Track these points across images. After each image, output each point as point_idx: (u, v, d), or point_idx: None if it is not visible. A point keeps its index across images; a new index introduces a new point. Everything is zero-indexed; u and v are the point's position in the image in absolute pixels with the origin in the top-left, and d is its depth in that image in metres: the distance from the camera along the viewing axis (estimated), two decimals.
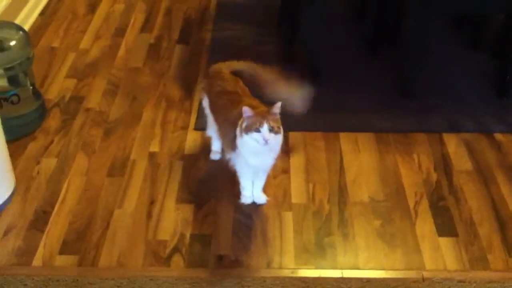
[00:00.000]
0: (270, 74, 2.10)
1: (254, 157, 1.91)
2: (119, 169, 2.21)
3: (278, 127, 1.83)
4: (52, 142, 2.32)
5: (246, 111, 1.81)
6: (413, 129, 2.37)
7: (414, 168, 2.20)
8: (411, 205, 2.05)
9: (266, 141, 1.80)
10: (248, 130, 1.82)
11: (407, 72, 2.63)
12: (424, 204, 2.05)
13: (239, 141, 1.87)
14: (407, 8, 2.76)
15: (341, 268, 1.85)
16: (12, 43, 2.26)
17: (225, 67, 2.10)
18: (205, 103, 2.12)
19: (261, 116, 1.81)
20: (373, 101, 2.52)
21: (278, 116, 1.84)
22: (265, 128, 1.79)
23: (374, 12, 2.85)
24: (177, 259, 1.88)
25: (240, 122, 1.86)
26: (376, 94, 2.56)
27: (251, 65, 2.12)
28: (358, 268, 1.85)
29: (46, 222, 1.99)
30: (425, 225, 1.98)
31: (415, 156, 2.25)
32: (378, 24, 2.81)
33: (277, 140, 1.85)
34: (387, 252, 1.91)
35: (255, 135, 1.81)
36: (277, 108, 1.84)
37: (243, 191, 2.06)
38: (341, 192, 2.11)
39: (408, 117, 2.43)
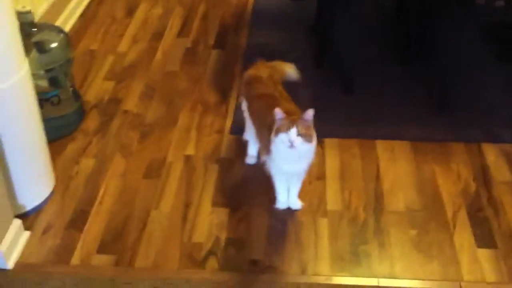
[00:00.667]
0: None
1: (285, 162, 1.91)
2: (155, 171, 2.23)
3: (309, 135, 1.82)
4: (90, 143, 2.35)
5: (278, 113, 1.82)
6: (449, 139, 2.34)
7: (452, 178, 2.17)
8: (449, 215, 2.03)
9: (292, 143, 1.79)
10: (277, 132, 1.82)
11: (442, 82, 2.60)
12: (462, 215, 2.02)
13: (272, 145, 1.88)
14: (442, 18, 2.74)
15: (377, 277, 1.84)
16: (53, 45, 2.30)
17: (263, 68, 2.10)
18: (244, 106, 2.13)
19: (292, 119, 1.81)
20: (408, 111, 2.50)
21: (310, 124, 1.83)
22: (293, 131, 1.79)
23: (410, 21, 2.83)
24: (212, 262, 1.89)
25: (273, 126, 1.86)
26: (411, 103, 2.54)
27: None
28: (394, 277, 1.83)
29: (84, 222, 2.02)
30: (463, 235, 1.95)
31: (453, 165, 2.22)
32: (414, 33, 2.79)
33: (307, 147, 1.84)
34: (423, 262, 1.88)
35: (282, 136, 1.80)
36: (308, 115, 1.83)
37: (278, 196, 2.06)
38: (377, 201, 2.09)
39: (444, 127, 2.41)
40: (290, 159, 1.88)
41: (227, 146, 2.34)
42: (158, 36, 3.03)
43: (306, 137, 1.81)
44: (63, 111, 2.36)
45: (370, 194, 2.12)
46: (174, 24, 3.13)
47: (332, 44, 2.77)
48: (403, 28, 2.92)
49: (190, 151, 2.32)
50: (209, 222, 2.02)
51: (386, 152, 2.30)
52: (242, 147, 2.30)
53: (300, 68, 2.75)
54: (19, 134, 1.91)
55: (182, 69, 2.80)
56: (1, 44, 1.76)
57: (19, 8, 2.14)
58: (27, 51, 1.97)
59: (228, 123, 2.46)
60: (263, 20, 3.16)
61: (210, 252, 1.92)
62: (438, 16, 2.68)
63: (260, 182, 2.15)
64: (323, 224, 2.01)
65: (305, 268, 1.87)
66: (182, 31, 3.07)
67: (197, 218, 2.04)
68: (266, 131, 1.93)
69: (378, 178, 2.18)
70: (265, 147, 1.97)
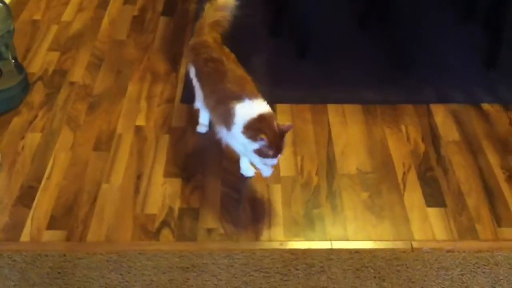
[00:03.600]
0: None
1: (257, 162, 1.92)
2: (105, 143, 2.18)
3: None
4: (36, 116, 2.28)
5: (263, 141, 1.79)
6: (401, 101, 2.37)
7: (402, 140, 2.20)
8: (399, 176, 2.06)
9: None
10: (260, 154, 1.83)
11: (397, 44, 2.61)
12: (412, 175, 2.06)
13: (242, 143, 1.86)
14: None
15: (330, 240, 1.86)
16: None
17: (208, 30, 2.07)
18: (192, 73, 2.10)
19: (277, 148, 1.81)
20: (362, 74, 2.51)
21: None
22: (279, 157, 1.83)
23: None
24: (166, 233, 1.88)
25: (245, 126, 1.83)
26: (365, 66, 2.54)
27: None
28: (347, 239, 1.86)
29: (32, 198, 1.97)
30: (413, 196, 1.99)
31: (403, 127, 2.25)
32: None
33: None
34: (375, 223, 1.91)
35: (267, 161, 1.84)
36: (288, 129, 1.84)
37: (242, 165, 2.04)
38: (329, 164, 2.11)
39: (397, 89, 2.43)
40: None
41: (178, 115, 2.31)
42: (104, 4, 2.94)
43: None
44: (6, 84, 2.27)
45: (323, 159, 2.13)
46: None
47: (286, 10, 2.74)
48: None
49: (140, 121, 2.28)
50: (162, 193, 2.00)
51: (337, 116, 2.31)
52: (193, 116, 2.27)
53: (255, 34, 2.74)
54: None
55: (129, 37, 2.73)
56: None
57: None
58: None
59: (179, 91, 2.42)
60: None
61: (164, 223, 1.91)
62: None
63: (212, 151, 2.14)
64: (277, 190, 2.02)
65: (260, 234, 1.88)
66: None
67: (149, 190, 2.01)
68: (222, 105, 1.90)
69: (330, 142, 2.20)
70: (223, 122, 1.93)
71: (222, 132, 1.97)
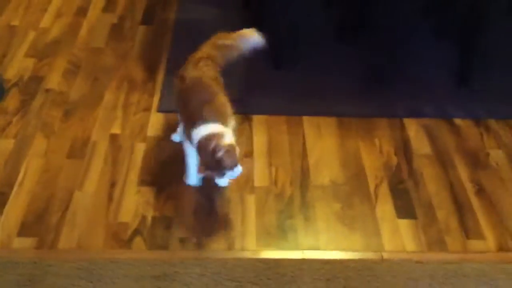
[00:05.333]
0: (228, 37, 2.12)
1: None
2: (79, 150, 2.18)
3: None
4: (10, 123, 2.27)
5: (239, 170, 1.81)
6: (375, 115, 2.40)
7: (375, 152, 2.23)
8: (372, 188, 2.08)
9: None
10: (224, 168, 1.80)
11: (373, 58, 2.65)
12: (384, 187, 2.08)
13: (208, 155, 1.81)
14: None
15: (302, 249, 1.87)
16: None
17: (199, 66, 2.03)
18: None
19: (215, 166, 1.80)
20: (338, 86, 2.53)
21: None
22: (236, 172, 1.82)
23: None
24: (138, 241, 1.87)
25: (206, 140, 1.81)
26: (341, 79, 2.57)
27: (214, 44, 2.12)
28: (319, 249, 1.87)
29: (3, 204, 1.95)
30: (384, 207, 2.01)
31: (376, 140, 2.28)
32: (346, 9, 2.81)
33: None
34: (347, 234, 1.93)
35: (228, 173, 1.82)
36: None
37: (190, 172, 2.03)
38: (303, 176, 2.12)
39: (371, 103, 2.46)
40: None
41: (154, 124, 2.31)
42: (82, 11, 2.94)
43: None
44: None
45: (297, 170, 2.15)
46: None
47: (263, 20, 2.76)
48: (337, 2, 2.95)
49: (115, 129, 2.28)
50: (135, 201, 2.00)
51: (312, 128, 2.33)
52: (169, 125, 2.28)
53: None
54: None
55: (108, 45, 2.73)
56: None
57: None
58: None
59: (156, 100, 2.42)
60: None
61: (137, 231, 1.90)
62: None
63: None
64: (250, 200, 2.03)
65: (232, 243, 1.89)
66: (108, 6, 2.99)
67: (122, 198, 2.01)
68: (190, 116, 1.90)
69: (304, 154, 2.21)
70: (186, 132, 1.93)
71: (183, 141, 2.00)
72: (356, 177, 2.13)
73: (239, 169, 1.82)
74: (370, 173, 2.14)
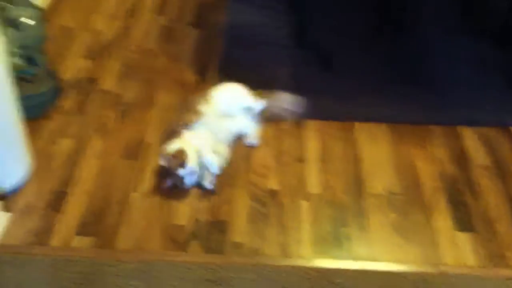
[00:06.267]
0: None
1: None
2: (133, 152, 2.20)
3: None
4: (67, 122, 2.31)
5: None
6: (429, 122, 2.37)
7: (430, 161, 2.20)
8: (427, 198, 2.06)
9: None
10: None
11: (425, 63, 2.62)
12: (441, 198, 2.05)
13: None
14: None
15: (357, 260, 1.86)
16: (28, 22, 2.23)
17: None
18: None
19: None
20: (389, 92, 2.50)
21: None
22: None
23: None
24: (193, 245, 1.88)
25: None
26: (393, 84, 2.54)
27: None
28: (374, 260, 1.86)
29: (63, 203, 1.99)
30: (441, 219, 1.98)
31: (431, 148, 2.25)
32: (393, 9, 2.78)
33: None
34: (402, 245, 1.91)
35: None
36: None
37: None
38: (357, 183, 2.11)
39: (424, 110, 2.43)
40: None
41: None
42: (134, 13, 2.97)
43: None
44: (38, 90, 2.30)
45: (350, 177, 2.13)
46: (151, 1, 3.06)
47: (311, 22, 2.76)
48: (385, 5, 2.92)
49: None
50: (190, 204, 2.01)
51: (365, 134, 2.31)
52: None
53: (281, 45, 2.76)
54: None
55: (159, 47, 2.75)
56: None
57: None
58: (1, 27, 1.91)
59: None
60: None
61: (192, 235, 1.91)
62: None
63: (240, 165, 2.15)
64: (304, 206, 2.02)
65: (287, 250, 1.88)
66: (160, 9, 3.02)
67: (178, 200, 2.02)
68: None
69: (357, 160, 2.20)
70: None
71: None
72: (411, 186, 2.10)
73: (189, 168, 1.97)
74: (425, 183, 2.11)
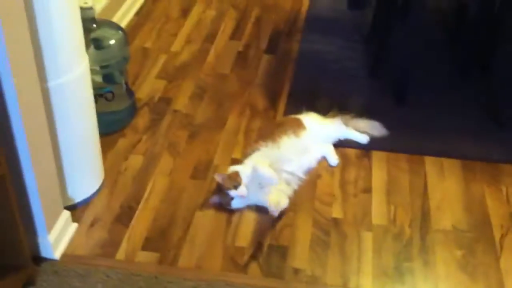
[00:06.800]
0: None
1: None
2: (201, 172, 2.25)
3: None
4: (140, 140, 2.39)
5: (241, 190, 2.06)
6: (502, 160, 2.29)
7: (501, 200, 2.12)
8: (497, 238, 1.99)
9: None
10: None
11: (499, 100, 2.55)
12: (511, 238, 1.97)
13: None
14: (502, 33, 2.69)
15: None
16: (111, 42, 2.33)
17: None
18: None
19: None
20: (461, 127, 2.46)
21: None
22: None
23: (468, 35, 2.79)
24: (254, 267, 1.89)
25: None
26: (465, 120, 2.49)
27: None
28: None
29: (130, 218, 2.05)
30: (510, 260, 1.91)
31: (503, 187, 2.18)
32: (471, 48, 2.74)
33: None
34: (468, 284, 1.85)
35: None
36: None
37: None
38: (424, 218, 2.06)
39: (498, 147, 2.36)
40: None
41: None
42: (210, 38, 3.06)
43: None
44: (116, 107, 2.40)
45: (417, 211, 2.09)
46: (227, 26, 3.15)
47: (387, 54, 2.75)
48: (462, 41, 2.88)
49: (236, 154, 2.33)
50: (253, 227, 2.03)
51: (435, 168, 2.26)
52: None
53: (354, 76, 2.76)
54: (75, 127, 1.96)
55: (233, 72, 2.82)
56: (65, 38, 1.81)
57: (82, 4, 2.19)
58: (86, 46, 2.01)
59: None
60: (317, 27, 3.16)
61: (253, 257, 1.93)
62: (498, 30, 2.63)
63: (305, 191, 2.15)
64: (367, 237, 2.00)
65: (348, 281, 1.86)
66: (235, 34, 3.09)
67: (240, 222, 2.05)
68: None
69: (425, 194, 2.15)
70: None
71: None
72: (480, 224, 2.04)
73: (241, 189, 2.02)
74: (495, 222, 2.04)
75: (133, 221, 2.04)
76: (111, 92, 2.36)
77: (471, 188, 2.18)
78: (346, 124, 2.36)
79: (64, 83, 1.86)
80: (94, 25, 2.27)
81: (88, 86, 1.98)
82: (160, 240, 1.97)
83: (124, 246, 1.95)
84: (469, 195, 2.15)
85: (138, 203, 2.11)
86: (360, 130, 2.36)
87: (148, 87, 2.69)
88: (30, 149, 1.69)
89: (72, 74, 1.88)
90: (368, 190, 2.18)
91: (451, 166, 2.27)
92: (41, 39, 1.74)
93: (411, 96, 2.60)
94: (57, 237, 1.90)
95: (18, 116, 1.62)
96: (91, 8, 2.21)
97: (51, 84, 1.83)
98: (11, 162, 1.66)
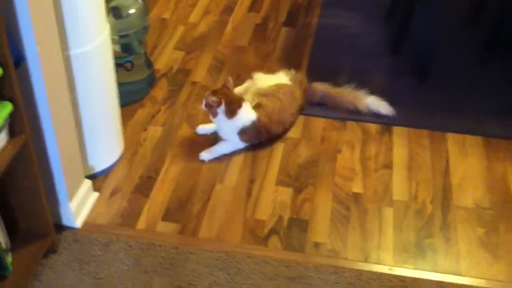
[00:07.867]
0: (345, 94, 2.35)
1: None
2: None
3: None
4: (159, 111, 2.37)
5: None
6: None
7: None
8: None
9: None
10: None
11: None
12: None
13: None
14: None
15: (442, 272, 1.80)
16: (131, 11, 2.30)
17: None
18: None
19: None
20: (483, 105, 2.42)
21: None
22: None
23: (493, 14, 2.73)
24: (274, 240, 1.89)
25: None
26: (488, 97, 2.46)
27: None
28: (460, 275, 1.80)
29: (150, 188, 2.04)
30: None
31: None
32: (495, 27, 2.69)
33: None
34: (490, 261, 1.84)
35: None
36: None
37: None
38: (445, 195, 2.05)
39: None
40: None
41: (294, 125, 2.32)
42: (229, 9, 3.02)
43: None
44: (135, 77, 2.38)
45: (438, 188, 2.07)
46: None
47: (409, 30, 2.70)
48: (486, 19, 2.83)
49: None
50: (273, 200, 2.02)
51: (457, 145, 2.24)
52: (308, 127, 2.28)
53: (374, 53, 2.72)
54: (96, 96, 1.94)
55: (251, 44, 2.78)
56: (87, 7, 1.78)
57: None
58: (106, 15, 1.98)
59: None
60: (337, 1, 3.11)
61: (273, 230, 1.92)
62: None
63: (325, 166, 2.14)
64: (388, 213, 1.98)
65: (368, 256, 1.85)
66: (253, 6, 3.05)
67: (261, 195, 2.04)
68: None
69: (447, 171, 2.13)
70: None
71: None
72: (502, 202, 2.02)
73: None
74: None
75: (153, 192, 2.03)
76: (131, 62, 2.34)
77: (494, 166, 2.15)
78: (357, 99, 2.33)
79: (86, 52, 1.84)
80: None
81: (109, 55, 1.96)
82: (180, 211, 1.97)
83: (144, 216, 1.95)
84: (491, 173, 2.13)
85: (157, 173, 2.10)
86: (366, 107, 2.32)
87: (166, 58, 2.66)
88: (53, 118, 1.67)
89: (94, 43, 1.85)
90: (389, 165, 2.16)
91: (474, 143, 2.25)
92: (63, 8, 1.71)
93: (433, 72, 2.56)
94: (78, 206, 1.90)
95: (41, 85, 1.61)
96: None
97: (73, 52, 1.81)
98: (34, 130, 1.65)
